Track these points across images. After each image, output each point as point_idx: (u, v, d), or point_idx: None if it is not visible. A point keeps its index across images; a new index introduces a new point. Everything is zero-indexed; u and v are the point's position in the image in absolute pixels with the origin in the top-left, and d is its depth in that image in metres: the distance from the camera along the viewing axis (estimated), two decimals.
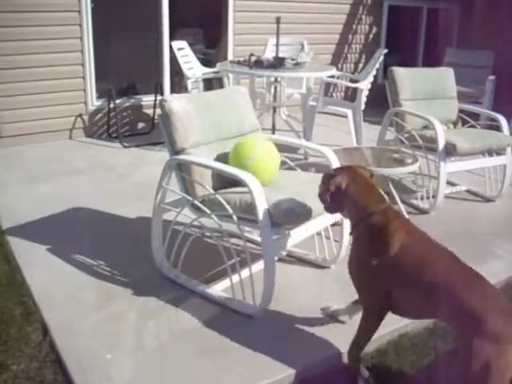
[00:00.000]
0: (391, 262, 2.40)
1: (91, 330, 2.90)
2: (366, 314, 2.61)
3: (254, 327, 2.96)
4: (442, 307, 2.24)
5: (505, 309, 2.16)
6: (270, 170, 3.27)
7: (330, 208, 2.75)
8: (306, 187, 3.11)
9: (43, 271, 3.45)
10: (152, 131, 6.79)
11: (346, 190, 2.59)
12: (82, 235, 3.99)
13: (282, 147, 3.91)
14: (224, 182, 3.21)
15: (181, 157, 3.20)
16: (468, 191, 5.16)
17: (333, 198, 2.65)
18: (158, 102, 6.52)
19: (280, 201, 2.91)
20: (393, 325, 2.97)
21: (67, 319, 2.98)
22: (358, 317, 2.71)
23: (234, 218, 2.97)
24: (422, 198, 4.67)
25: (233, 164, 3.19)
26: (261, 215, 2.81)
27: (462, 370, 2.12)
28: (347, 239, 3.48)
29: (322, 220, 3.21)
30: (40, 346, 2.76)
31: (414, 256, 2.38)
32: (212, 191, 3.10)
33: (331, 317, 3.02)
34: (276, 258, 3.52)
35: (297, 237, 3.11)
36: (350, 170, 2.67)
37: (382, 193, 2.65)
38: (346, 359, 2.70)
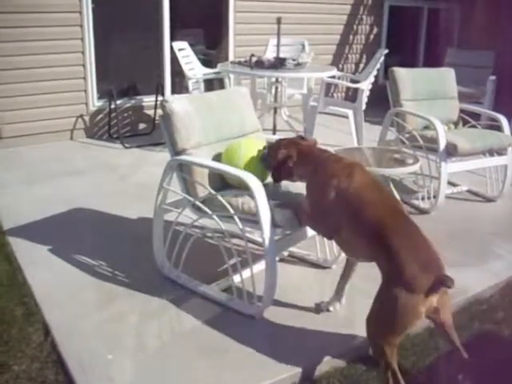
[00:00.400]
0: (338, 196, 2.65)
1: (92, 330, 2.90)
2: (310, 217, 2.88)
3: (256, 327, 2.96)
4: (374, 248, 2.48)
5: (428, 262, 2.35)
6: (259, 169, 3.26)
7: (279, 175, 3.04)
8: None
9: (44, 272, 3.46)
10: (153, 132, 6.79)
11: (296, 160, 2.93)
12: (83, 236, 4.00)
13: None
14: (225, 182, 3.21)
15: (182, 157, 3.20)
16: (469, 191, 5.16)
17: (283, 168, 2.96)
18: (158, 102, 6.53)
19: (282, 201, 2.92)
20: None
21: (68, 320, 2.98)
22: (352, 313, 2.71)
23: (236, 218, 2.97)
24: (422, 198, 4.67)
25: (226, 161, 3.20)
26: (262, 216, 2.81)
27: (374, 306, 2.42)
28: None
29: None
30: (41, 347, 2.76)
31: (360, 194, 2.63)
32: (213, 192, 3.10)
33: (325, 309, 3.14)
34: (277, 259, 3.54)
35: (299, 237, 3.11)
36: (289, 144, 3.03)
37: (322, 147, 3.02)
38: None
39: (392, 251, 2.37)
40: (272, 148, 3.07)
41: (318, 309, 3.12)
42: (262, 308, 2.99)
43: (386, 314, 2.36)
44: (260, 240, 3.01)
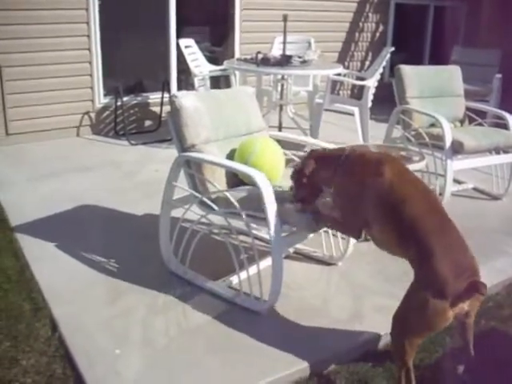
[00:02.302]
0: (375, 193, 2.53)
1: (100, 325, 2.92)
2: (342, 222, 2.81)
3: (262, 323, 2.97)
4: (409, 247, 2.40)
5: (463, 265, 2.30)
6: (273, 164, 3.29)
7: (307, 198, 2.89)
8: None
9: (52, 267, 3.48)
10: (159, 129, 6.79)
11: (314, 169, 2.80)
12: (90, 232, 4.02)
13: (288, 145, 3.92)
14: (234, 179, 3.22)
15: (190, 154, 3.20)
16: (475, 189, 5.16)
17: (307, 185, 2.84)
18: (165, 99, 6.55)
19: (290, 199, 2.92)
20: None
21: (76, 315, 3.00)
22: None
23: (243, 215, 2.98)
24: None
25: (238, 160, 3.21)
26: (270, 213, 2.82)
27: (403, 304, 2.38)
28: None
29: None
30: (49, 341, 2.78)
31: (394, 190, 2.50)
32: (220, 188, 3.11)
33: None
34: (283, 255, 3.55)
35: (305, 235, 3.12)
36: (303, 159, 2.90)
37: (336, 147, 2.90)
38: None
39: (427, 252, 2.30)
40: (292, 176, 2.93)
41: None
42: (269, 305, 3.00)
43: (413, 315, 2.33)
44: (266, 237, 3.02)
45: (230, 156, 3.30)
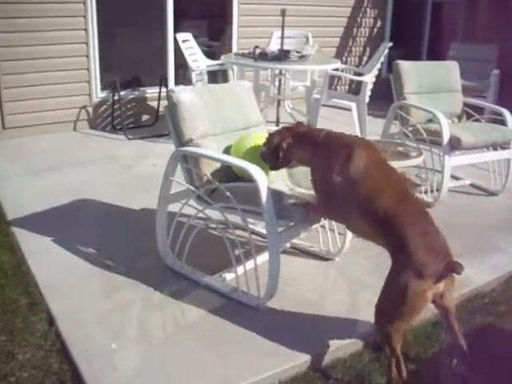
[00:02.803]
0: (349, 179, 2.59)
1: (96, 319, 2.92)
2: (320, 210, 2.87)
3: (259, 318, 2.97)
4: (384, 234, 2.48)
5: (437, 249, 2.37)
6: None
7: (275, 165, 2.98)
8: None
9: (48, 262, 3.47)
10: (156, 123, 6.79)
11: (292, 144, 2.85)
12: (87, 226, 4.01)
13: None
14: (231, 174, 3.22)
15: (187, 148, 3.20)
16: (472, 185, 5.16)
17: (277, 156, 2.89)
18: (163, 94, 6.53)
19: (286, 194, 2.93)
20: None
21: (72, 309, 3.00)
22: None
23: (239, 210, 2.98)
24: (425, 192, 4.67)
25: (234, 155, 3.21)
26: (266, 208, 2.82)
27: (383, 291, 2.43)
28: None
29: None
30: (46, 336, 2.78)
31: (367, 175, 2.57)
32: (217, 183, 3.11)
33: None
34: (280, 250, 3.55)
35: (302, 229, 3.12)
36: (283, 130, 2.98)
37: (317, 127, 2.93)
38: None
39: (401, 236, 2.38)
40: (267, 137, 3.03)
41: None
42: (265, 300, 3.00)
43: (394, 300, 2.38)
44: (263, 231, 3.02)
45: (228, 150, 3.29)
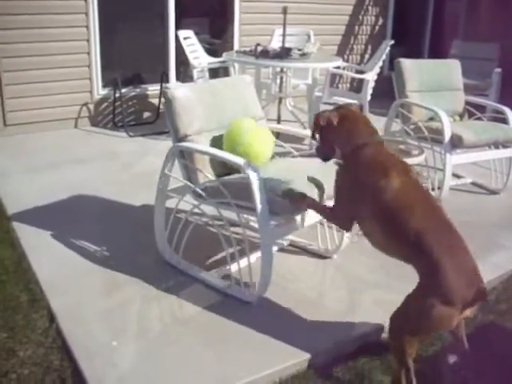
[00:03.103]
0: (375, 194, 2.48)
1: (97, 316, 2.92)
2: (333, 215, 2.78)
3: (257, 315, 2.97)
4: (411, 251, 2.38)
5: (468, 273, 2.30)
6: (262, 149, 3.30)
7: (322, 147, 2.76)
8: (308, 174, 3.14)
9: (49, 258, 3.48)
10: (157, 121, 6.78)
11: (337, 125, 2.63)
12: (87, 223, 4.01)
13: (287, 137, 3.93)
14: (226, 169, 3.23)
15: (183, 144, 3.23)
16: (473, 183, 5.16)
17: (324, 135, 2.71)
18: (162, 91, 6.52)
19: (279, 189, 2.92)
20: None
21: (73, 306, 3.00)
22: None
23: (233, 205, 2.99)
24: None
25: (227, 146, 3.22)
26: (258, 202, 2.83)
27: (405, 306, 2.35)
28: None
29: None
30: (46, 333, 2.78)
31: (399, 198, 2.45)
32: (212, 178, 3.12)
33: None
34: (276, 248, 3.58)
35: (296, 225, 3.11)
36: (339, 108, 2.75)
37: (374, 127, 2.70)
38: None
39: (433, 259, 2.28)
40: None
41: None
42: (258, 294, 3.01)
43: (416, 318, 2.30)
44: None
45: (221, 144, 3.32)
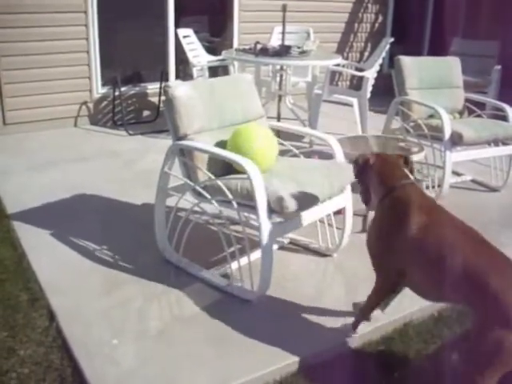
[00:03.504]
0: (409, 239, 2.41)
1: (97, 315, 2.92)
2: (377, 287, 2.65)
3: (256, 314, 2.97)
4: (463, 291, 2.25)
5: None
6: (269, 159, 3.30)
7: (362, 189, 2.73)
8: (307, 174, 3.13)
9: (49, 257, 3.47)
10: (157, 119, 6.78)
11: (371, 165, 2.63)
12: (88, 222, 4.01)
13: (287, 135, 3.92)
14: (227, 168, 3.23)
15: (183, 142, 3.22)
16: (473, 181, 5.15)
17: (361, 174, 2.70)
18: (163, 89, 6.51)
19: (280, 188, 2.92)
20: (397, 314, 2.99)
21: (73, 305, 2.99)
22: None
23: (234, 203, 2.99)
24: (427, 188, 4.66)
25: (232, 151, 3.20)
26: (259, 201, 2.83)
27: (473, 350, 2.18)
28: (349, 227, 3.50)
29: (323, 208, 3.22)
30: (47, 332, 2.78)
31: (434, 237, 2.38)
32: (212, 177, 3.12)
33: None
34: (277, 246, 3.58)
35: (296, 224, 3.11)
36: (377, 153, 2.78)
37: (407, 172, 2.67)
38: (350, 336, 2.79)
39: (489, 292, 2.14)
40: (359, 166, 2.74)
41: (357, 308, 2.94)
42: (259, 293, 3.01)
43: (487, 359, 2.14)
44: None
45: (225, 145, 3.30)
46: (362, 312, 2.78)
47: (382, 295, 2.68)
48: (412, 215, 2.43)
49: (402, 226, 2.43)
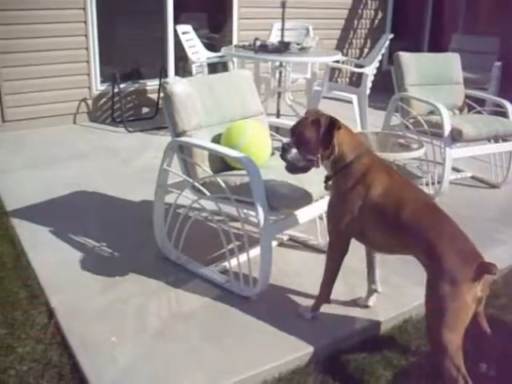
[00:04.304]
0: (372, 202, 2.58)
1: (96, 312, 2.91)
2: (332, 251, 2.82)
3: (257, 310, 2.96)
4: (412, 245, 2.47)
5: (466, 252, 2.33)
6: (261, 153, 3.30)
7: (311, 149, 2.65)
8: None
9: (48, 254, 3.47)
10: (156, 116, 6.77)
11: (338, 130, 2.63)
12: (87, 219, 4.00)
13: (286, 132, 3.90)
14: (225, 164, 3.23)
15: (182, 139, 3.21)
16: (473, 177, 5.15)
17: (323, 135, 2.62)
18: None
19: (278, 184, 2.91)
20: (397, 310, 2.99)
21: (72, 302, 2.99)
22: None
23: (232, 200, 2.98)
24: (427, 184, 4.65)
25: (226, 145, 3.21)
26: (257, 197, 2.82)
27: (426, 304, 2.37)
28: None
29: (322, 204, 3.20)
30: (45, 329, 2.78)
31: (392, 197, 2.56)
32: (211, 173, 3.11)
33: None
34: (276, 243, 3.57)
35: (295, 220, 3.11)
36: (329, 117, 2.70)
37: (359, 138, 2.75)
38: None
39: (430, 246, 2.34)
40: (302, 122, 2.70)
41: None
42: (259, 289, 3.00)
43: (437, 312, 2.29)
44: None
45: (220, 140, 3.31)
46: (322, 289, 2.86)
47: (336, 259, 2.80)
48: (378, 177, 2.60)
49: (369, 187, 2.59)
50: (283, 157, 2.67)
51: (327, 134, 2.61)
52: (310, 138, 2.62)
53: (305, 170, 2.71)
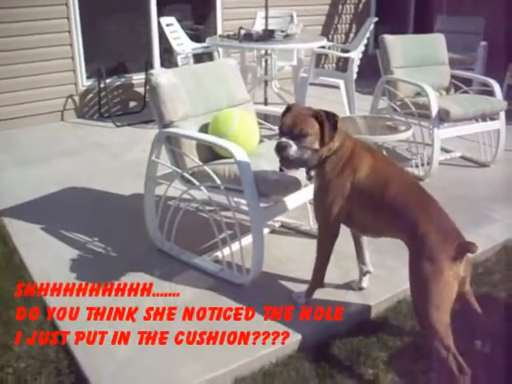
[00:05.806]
0: (360, 182, 2.61)
1: (92, 308, 2.90)
2: (322, 236, 2.82)
3: (251, 297, 2.97)
4: (396, 224, 2.51)
5: (447, 231, 2.36)
6: (249, 140, 3.30)
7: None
8: None
9: (41, 252, 3.46)
10: (144, 109, 6.75)
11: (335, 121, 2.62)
12: (78, 215, 3.99)
13: (274, 119, 3.90)
14: (214, 153, 3.23)
15: (169, 130, 3.21)
16: (462, 157, 5.17)
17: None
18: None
19: (268, 171, 2.91)
20: (390, 292, 3.00)
21: (67, 298, 2.98)
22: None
23: (222, 188, 2.99)
24: (416, 166, 4.67)
25: (213, 134, 3.22)
26: (247, 185, 2.83)
27: (410, 283, 2.40)
28: None
29: (310, 190, 3.20)
30: (41, 326, 2.77)
31: (379, 176, 2.60)
32: (200, 163, 3.11)
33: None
34: (268, 230, 3.58)
35: (285, 207, 3.12)
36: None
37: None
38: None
39: (411, 223, 2.39)
40: (299, 118, 2.65)
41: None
42: (251, 276, 3.02)
43: (422, 291, 2.30)
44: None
45: (207, 130, 3.31)
46: (315, 274, 2.87)
47: (328, 243, 2.81)
48: (363, 158, 2.64)
49: (356, 169, 2.62)
50: (281, 155, 2.59)
51: (331, 129, 2.60)
52: (315, 134, 2.59)
53: (302, 165, 2.68)
